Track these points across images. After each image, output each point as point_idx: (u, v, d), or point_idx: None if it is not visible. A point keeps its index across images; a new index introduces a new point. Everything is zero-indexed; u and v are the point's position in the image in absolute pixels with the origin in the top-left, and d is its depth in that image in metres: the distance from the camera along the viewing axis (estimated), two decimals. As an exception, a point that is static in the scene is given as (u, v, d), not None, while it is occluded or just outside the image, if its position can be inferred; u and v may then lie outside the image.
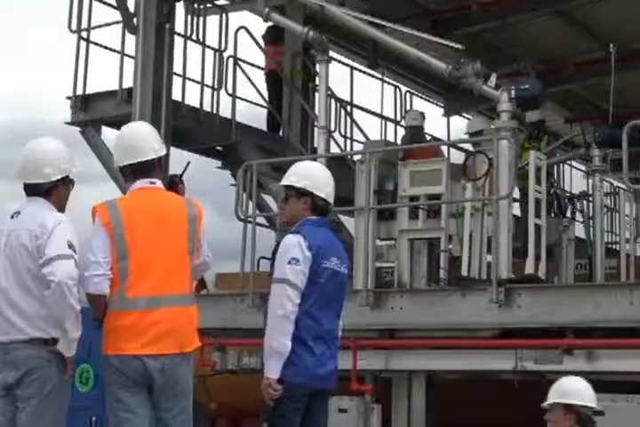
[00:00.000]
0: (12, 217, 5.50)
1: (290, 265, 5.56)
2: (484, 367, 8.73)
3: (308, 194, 5.85)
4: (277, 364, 5.52)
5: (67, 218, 5.49)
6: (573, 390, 6.48)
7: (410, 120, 12.72)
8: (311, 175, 5.93)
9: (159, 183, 5.53)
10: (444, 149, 14.81)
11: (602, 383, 8.50)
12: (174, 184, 5.88)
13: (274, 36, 13.65)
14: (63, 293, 5.15)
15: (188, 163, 6.43)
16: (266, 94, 13.80)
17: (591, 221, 11.67)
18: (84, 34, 12.13)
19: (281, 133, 13.81)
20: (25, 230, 5.37)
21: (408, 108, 15.94)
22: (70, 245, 5.29)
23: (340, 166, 12.13)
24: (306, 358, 5.58)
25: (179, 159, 11.04)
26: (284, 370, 5.54)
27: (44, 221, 5.35)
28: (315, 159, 10.24)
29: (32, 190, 5.55)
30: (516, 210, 10.54)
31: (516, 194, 10.55)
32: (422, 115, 12.90)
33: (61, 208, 5.61)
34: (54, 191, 5.56)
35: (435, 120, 17.12)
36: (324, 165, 10.06)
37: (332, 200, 5.94)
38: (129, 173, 5.57)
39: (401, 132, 15.20)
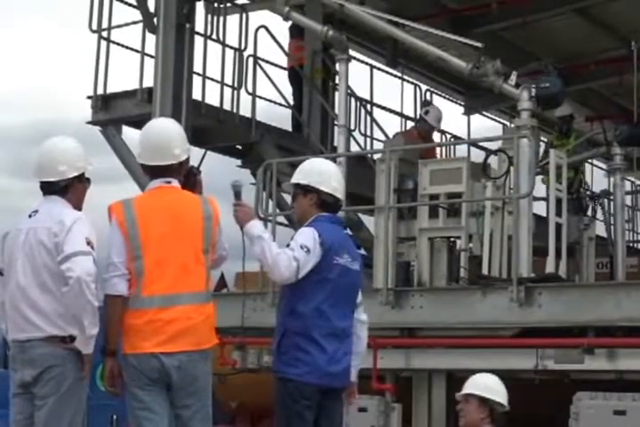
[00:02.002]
0: (30, 216, 5.53)
1: (302, 250, 5.56)
2: (504, 366, 8.69)
3: (313, 190, 5.85)
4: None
5: (84, 215, 5.51)
6: (491, 385, 6.54)
7: (435, 121, 12.43)
8: (315, 171, 5.92)
9: (175, 182, 5.53)
10: (465, 147, 14.85)
11: (623, 382, 8.51)
12: (193, 175, 5.85)
13: (300, 30, 13.50)
14: (82, 289, 5.17)
15: (205, 152, 6.43)
16: (285, 93, 13.79)
17: (612, 220, 11.62)
18: (104, 33, 12.16)
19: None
20: (43, 228, 5.39)
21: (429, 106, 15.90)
22: (88, 242, 5.31)
23: (360, 165, 12.14)
24: (316, 356, 5.58)
25: (197, 158, 11.08)
26: (294, 369, 5.57)
27: (61, 218, 5.37)
28: (334, 158, 10.25)
29: (48, 189, 5.58)
30: (539, 209, 10.52)
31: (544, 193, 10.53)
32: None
33: (78, 206, 5.62)
34: (70, 189, 5.57)
35: (455, 118, 17.14)
36: (343, 164, 10.18)
37: (339, 195, 5.91)
38: (147, 171, 5.61)
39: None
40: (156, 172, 5.53)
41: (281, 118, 13.95)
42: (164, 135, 5.58)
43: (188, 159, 5.64)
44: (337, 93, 12.14)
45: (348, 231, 6.48)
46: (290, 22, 13.23)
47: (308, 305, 5.61)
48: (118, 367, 5.29)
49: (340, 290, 5.72)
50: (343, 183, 6.02)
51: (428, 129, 12.22)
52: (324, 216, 5.84)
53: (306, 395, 5.57)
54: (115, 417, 9.97)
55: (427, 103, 12.83)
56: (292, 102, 13.87)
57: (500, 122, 18.19)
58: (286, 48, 13.81)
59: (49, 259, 5.34)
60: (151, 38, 11.84)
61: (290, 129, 13.87)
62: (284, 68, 14.02)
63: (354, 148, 13.33)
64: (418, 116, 12.81)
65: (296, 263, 5.54)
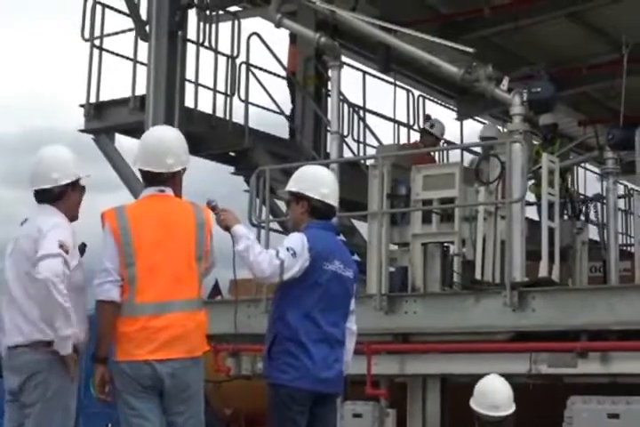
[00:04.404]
0: (22, 224, 5.57)
1: (287, 252, 5.59)
2: (498, 371, 8.68)
3: (303, 197, 5.87)
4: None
5: (64, 222, 5.49)
6: (479, 392, 6.83)
7: (440, 134, 12.58)
8: (304, 178, 5.95)
9: (169, 191, 5.55)
10: (458, 152, 14.89)
11: (616, 386, 8.53)
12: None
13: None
14: (49, 290, 5.15)
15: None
16: (278, 99, 13.82)
17: (605, 224, 11.64)
18: (96, 42, 12.18)
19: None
20: (26, 237, 5.43)
21: (421, 111, 15.94)
22: (61, 245, 5.30)
23: (353, 171, 12.16)
24: (306, 361, 5.59)
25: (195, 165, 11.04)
26: (284, 375, 5.58)
27: (41, 225, 5.39)
28: (327, 164, 10.27)
29: (41, 197, 5.60)
30: (531, 214, 10.55)
31: (533, 199, 10.58)
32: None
33: (73, 215, 5.63)
34: (64, 197, 5.59)
35: (447, 124, 17.13)
36: (335, 170, 10.19)
37: (330, 201, 5.90)
38: (142, 176, 5.65)
39: (414, 136, 15.20)
40: (149, 178, 5.56)
41: (275, 125, 13.99)
42: (161, 144, 5.60)
43: (184, 169, 5.65)
44: (329, 100, 12.18)
45: (342, 238, 6.50)
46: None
47: (297, 311, 5.63)
48: (109, 374, 5.30)
49: (331, 296, 5.73)
50: (336, 189, 6.01)
51: (434, 141, 12.34)
52: (316, 223, 5.86)
53: (298, 400, 5.58)
54: (109, 425, 9.98)
55: (429, 117, 12.91)
56: (290, 107, 13.90)
57: (492, 126, 18.20)
58: (279, 55, 13.83)
59: (29, 267, 5.36)
60: (143, 46, 11.87)
61: (284, 135, 13.89)
62: (277, 75, 14.05)
63: (347, 154, 13.36)
64: (420, 129, 12.89)
65: (279, 262, 5.55)
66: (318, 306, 5.67)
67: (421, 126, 12.79)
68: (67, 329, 5.24)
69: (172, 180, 5.57)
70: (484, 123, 18.09)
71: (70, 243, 5.37)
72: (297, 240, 5.68)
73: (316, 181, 5.92)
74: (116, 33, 12.29)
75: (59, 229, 5.40)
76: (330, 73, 11.37)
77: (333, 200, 5.93)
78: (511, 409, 6.85)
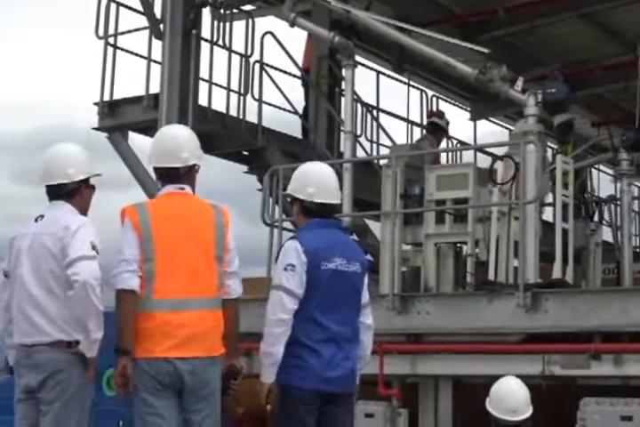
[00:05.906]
0: (36, 220, 5.57)
1: (285, 272, 5.57)
2: (511, 372, 8.66)
3: (296, 199, 5.85)
4: (269, 369, 5.58)
5: (89, 221, 5.54)
6: (495, 394, 6.80)
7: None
8: (294, 179, 5.92)
9: (188, 189, 5.56)
10: (471, 153, 14.87)
11: (629, 388, 8.50)
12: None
13: None
14: (87, 293, 5.20)
15: None
16: (292, 99, 13.81)
17: (619, 225, 11.61)
18: (110, 40, 12.19)
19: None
20: (48, 234, 5.44)
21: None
22: (93, 247, 5.34)
23: (367, 171, 12.15)
24: (312, 361, 5.57)
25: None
26: (289, 376, 5.56)
27: (67, 224, 5.42)
28: (341, 164, 10.28)
29: (55, 193, 5.61)
30: (545, 215, 10.51)
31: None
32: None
33: (84, 212, 5.65)
34: (77, 193, 5.62)
35: (461, 124, 17.14)
36: (349, 169, 10.19)
37: (321, 199, 5.79)
38: (158, 175, 5.66)
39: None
40: (165, 175, 5.57)
41: (288, 124, 13.97)
42: (175, 140, 5.63)
43: (198, 166, 5.64)
44: (343, 99, 12.16)
45: (353, 237, 6.43)
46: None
47: (298, 313, 5.58)
48: (131, 367, 5.25)
49: (335, 294, 5.66)
50: (329, 185, 5.88)
51: (442, 136, 12.43)
52: (313, 222, 5.81)
53: (303, 400, 5.57)
54: (121, 423, 9.97)
55: (443, 114, 12.94)
56: (303, 105, 13.89)
57: (506, 127, 18.19)
58: (292, 54, 13.82)
59: (54, 265, 5.37)
60: (157, 44, 11.87)
61: (298, 134, 13.88)
62: (291, 75, 14.04)
63: (360, 153, 13.35)
64: (431, 124, 12.89)
65: (286, 296, 5.53)
66: (320, 307, 5.61)
67: (433, 121, 12.75)
68: (98, 332, 5.29)
69: (187, 176, 5.56)
70: (497, 123, 18.13)
71: (99, 243, 5.39)
72: (290, 252, 5.63)
73: (303, 181, 5.84)
74: (131, 31, 12.29)
75: (87, 228, 5.42)
76: (343, 72, 11.37)
77: (326, 198, 5.81)
78: (528, 412, 6.81)
